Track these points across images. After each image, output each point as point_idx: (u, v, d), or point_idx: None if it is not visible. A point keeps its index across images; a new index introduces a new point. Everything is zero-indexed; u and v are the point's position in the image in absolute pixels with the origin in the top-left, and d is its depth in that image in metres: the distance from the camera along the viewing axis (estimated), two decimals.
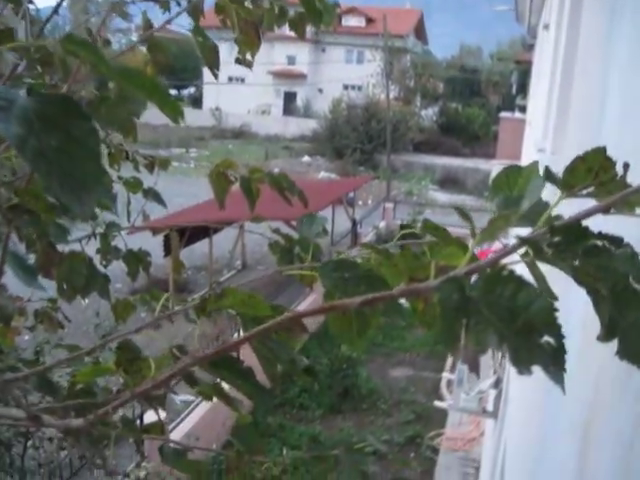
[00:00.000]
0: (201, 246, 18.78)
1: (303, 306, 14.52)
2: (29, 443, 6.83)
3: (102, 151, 2.44)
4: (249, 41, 1.93)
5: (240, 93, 53.03)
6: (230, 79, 51.30)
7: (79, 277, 2.29)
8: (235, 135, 50.35)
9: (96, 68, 0.66)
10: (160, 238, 15.36)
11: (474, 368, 11.24)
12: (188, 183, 29.09)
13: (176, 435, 9.47)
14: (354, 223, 22.50)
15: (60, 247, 2.18)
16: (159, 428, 1.74)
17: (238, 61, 2.00)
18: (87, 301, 2.27)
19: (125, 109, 1.53)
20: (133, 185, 2.62)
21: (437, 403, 10.98)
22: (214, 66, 1.90)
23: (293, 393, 12.61)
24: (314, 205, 15.78)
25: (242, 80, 52.62)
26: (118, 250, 2.54)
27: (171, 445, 1.32)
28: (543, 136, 6.05)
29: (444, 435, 11.58)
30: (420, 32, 60.04)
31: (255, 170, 2.30)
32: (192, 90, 62.65)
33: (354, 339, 1.15)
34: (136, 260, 2.57)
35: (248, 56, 1.98)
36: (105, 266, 2.51)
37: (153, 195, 2.64)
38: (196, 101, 59.48)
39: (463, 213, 0.77)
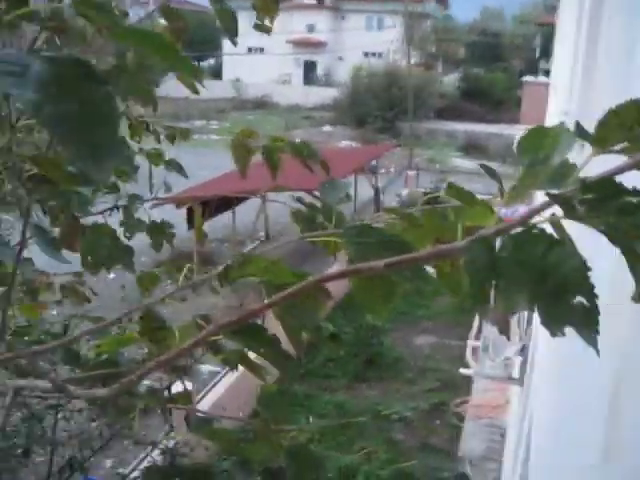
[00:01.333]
0: (223, 218, 18.82)
1: None
2: (60, 415, 6.93)
3: (121, 121, 2.43)
4: (266, 6, 1.90)
5: (260, 63, 52.57)
6: (249, 50, 50.93)
7: (103, 249, 2.30)
8: (256, 106, 50.04)
9: (110, 31, 0.65)
10: (184, 211, 15.45)
11: (504, 330, 11.25)
12: (210, 155, 29.07)
13: (203, 405, 9.57)
14: (377, 191, 22.41)
15: (84, 220, 2.19)
16: (186, 398, 1.75)
17: (257, 27, 1.97)
18: (113, 275, 2.30)
19: (143, 78, 1.51)
20: (155, 157, 2.61)
21: (462, 370, 10.96)
22: (232, 33, 1.87)
23: (318, 362, 12.67)
24: (336, 174, 15.62)
25: (261, 50, 52.23)
26: (141, 222, 2.54)
27: (198, 414, 1.33)
28: (568, 99, 5.93)
29: (469, 402, 11.60)
30: None
31: (277, 139, 2.28)
32: (211, 62, 62.34)
33: (378, 306, 1.14)
34: (159, 232, 2.57)
35: (267, 22, 1.95)
36: (129, 238, 2.52)
37: (175, 166, 2.64)
38: (216, 73, 59.20)
39: (490, 171, 0.75)
